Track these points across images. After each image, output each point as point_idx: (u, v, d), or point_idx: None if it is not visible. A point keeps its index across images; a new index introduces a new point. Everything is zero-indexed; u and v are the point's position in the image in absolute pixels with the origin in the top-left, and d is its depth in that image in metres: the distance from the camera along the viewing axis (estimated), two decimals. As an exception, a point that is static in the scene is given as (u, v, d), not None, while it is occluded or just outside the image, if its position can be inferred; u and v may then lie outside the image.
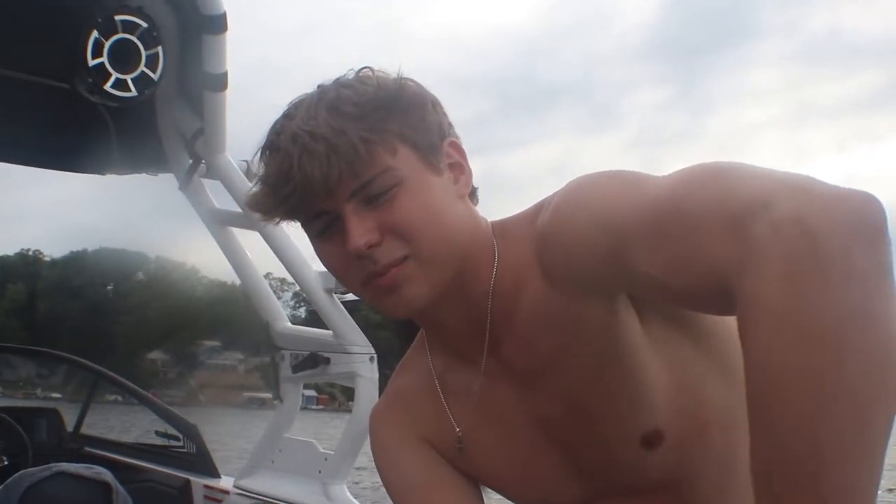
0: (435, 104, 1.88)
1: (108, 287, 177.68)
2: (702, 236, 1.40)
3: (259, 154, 1.81)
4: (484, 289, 1.86)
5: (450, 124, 1.91)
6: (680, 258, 1.45)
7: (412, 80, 1.84)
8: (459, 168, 1.89)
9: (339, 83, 1.81)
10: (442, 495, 2.07)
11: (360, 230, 1.72)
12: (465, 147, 1.94)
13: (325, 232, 1.80)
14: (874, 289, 1.23)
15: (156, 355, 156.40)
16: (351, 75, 1.83)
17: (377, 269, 1.74)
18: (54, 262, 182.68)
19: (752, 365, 1.30)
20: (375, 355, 4.89)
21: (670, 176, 1.55)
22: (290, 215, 1.81)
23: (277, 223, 1.87)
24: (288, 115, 1.78)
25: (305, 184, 1.70)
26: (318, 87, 1.82)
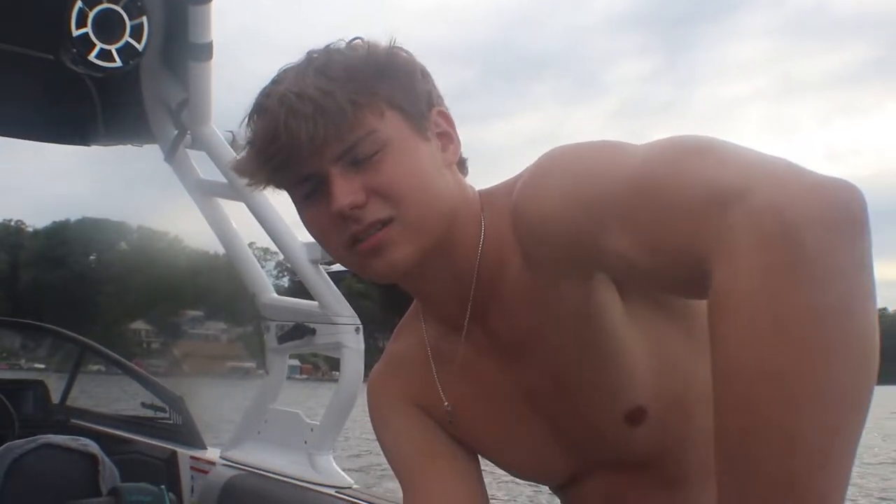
0: (424, 73, 1.89)
1: (91, 257, 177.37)
2: (675, 219, 1.38)
3: (246, 119, 1.81)
4: (470, 259, 1.86)
5: (439, 96, 1.92)
6: (653, 239, 1.43)
7: (403, 49, 1.85)
8: (448, 137, 1.90)
9: (329, 49, 1.81)
10: (436, 461, 2.09)
11: (345, 190, 1.72)
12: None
13: (310, 196, 1.80)
14: (852, 285, 1.21)
15: (139, 325, 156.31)
16: (342, 45, 1.83)
17: (360, 228, 1.74)
18: (36, 233, 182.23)
19: (721, 358, 1.27)
20: (361, 326, 4.89)
21: (648, 148, 1.53)
22: (275, 177, 1.81)
23: (263, 189, 1.87)
24: (276, 81, 1.79)
25: (291, 144, 1.71)
26: (308, 52, 1.82)
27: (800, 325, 1.19)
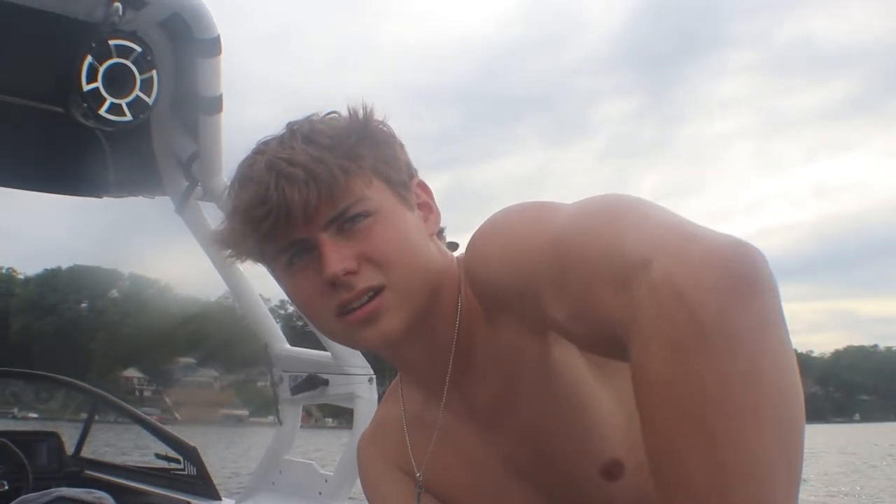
0: (401, 145, 1.92)
1: (83, 304, 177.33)
2: (594, 290, 1.39)
3: (228, 191, 1.84)
4: (450, 326, 1.88)
5: (414, 167, 1.95)
6: (578, 308, 1.45)
7: (381, 121, 1.87)
8: (428, 207, 1.94)
9: (311, 119, 1.84)
10: None
11: (337, 257, 1.73)
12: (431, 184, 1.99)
13: (292, 263, 1.81)
14: (759, 346, 1.21)
15: (131, 373, 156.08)
16: (319, 116, 1.87)
17: (351, 295, 1.75)
18: (28, 280, 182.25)
19: (646, 430, 1.28)
20: (374, 376, 4.88)
21: (574, 210, 1.55)
22: (261, 244, 1.81)
23: (243, 262, 1.89)
24: (258, 151, 1.81)
25: (282, 209, 1.72)
26: (288, 124, 1.85)
27: (708, 397, 1.19)
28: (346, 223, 1.76)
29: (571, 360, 1.78)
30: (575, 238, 1.46)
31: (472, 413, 1.95)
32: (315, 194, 1.71)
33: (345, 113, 1.85)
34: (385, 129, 1.87)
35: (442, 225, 1.98)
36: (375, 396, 4.84)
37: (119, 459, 6.85)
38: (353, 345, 1.90)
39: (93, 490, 5.14)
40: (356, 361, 4.84)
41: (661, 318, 1.23)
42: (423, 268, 1.82)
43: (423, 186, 1.96)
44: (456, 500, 2.07)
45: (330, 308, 1.79)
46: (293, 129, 1.81)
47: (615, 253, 1.35)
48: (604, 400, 1.81)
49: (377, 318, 1.77)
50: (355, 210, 1.76)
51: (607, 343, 1.39)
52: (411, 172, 1.93)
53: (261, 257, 1.87)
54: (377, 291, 1.76)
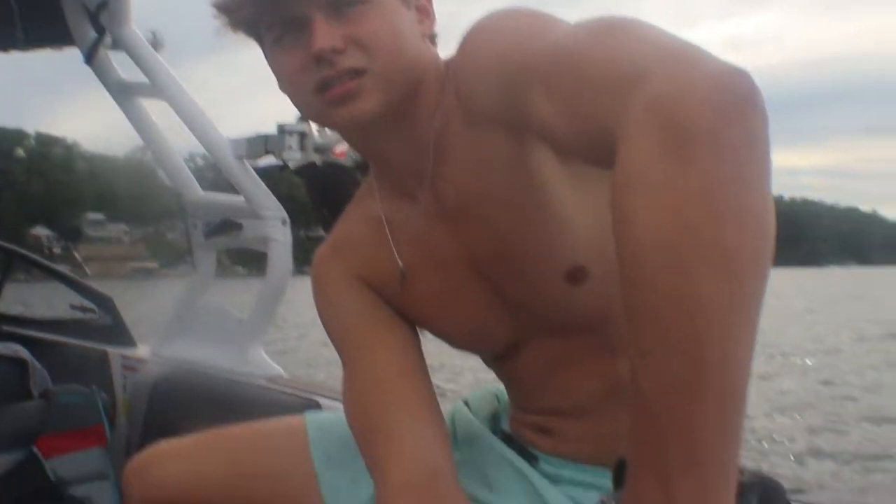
0: None
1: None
2: (588, 93, 1.43)
3: None
4: (427, 121, 1.94)
5: None
6: (569, 109, 1.49)
7: None
8: (425, 11, 1.99)
9: None
10: (377, 330, 2.15)
11: (327, 34, 1.79)
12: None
13: (282, 39, 1.86)
14: (744, 158, 1.26)
15: (39, 231, 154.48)
16: None
17: (333, 73, 1.81)
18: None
19: (620, 235, 1.33)
20: (288, 219, 4.86)
21: (577, 24, 1.59)
22: (257, 15, 1.86)
23: (235, 32, 1.92)
24: None
25: None
26: None
27: (691, 198, 1.25)
28: (343, 7, 1.81)
29: (545, 166, 1.83)
30: (575, 44, 1.51)
31: (443, 212, 2.00)
32: None
33: None
34: None
35: (436, 31, 2.02)
36: (290, 239, 4.83)
37: (33, 314, 6.66)
38: (327, 124, 1.97)
39: (8, 343, 5.14)
40: (269, 204, 4.81)
41: (655, 127, 1.28)
42: (408, 59, 1.87)
43: None
44: (415, 300, 2.14)
45: (310, 84, 1.84)
46: None
47: (615, 61, 1.40)
48: (576, 208, 1.87)
49: (353, 98, 1.82)
50: None
51: (590, 145, 1.46)
52: None
53: (252, 29, 1.92)
54: (359, 73, 1.81)
